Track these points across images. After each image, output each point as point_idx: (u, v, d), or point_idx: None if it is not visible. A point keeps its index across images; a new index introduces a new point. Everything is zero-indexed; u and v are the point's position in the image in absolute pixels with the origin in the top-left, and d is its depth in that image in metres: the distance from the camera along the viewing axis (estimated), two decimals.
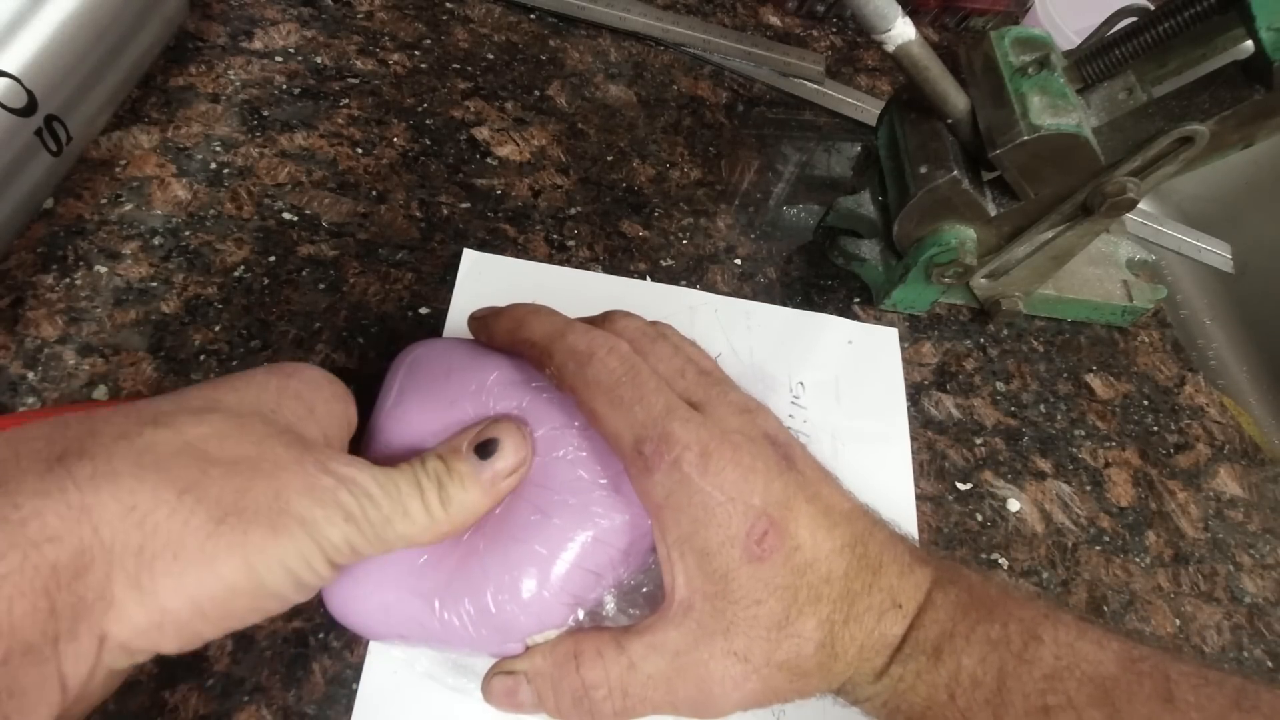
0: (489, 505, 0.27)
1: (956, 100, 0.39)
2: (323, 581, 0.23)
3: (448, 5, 0.54)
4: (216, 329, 0.38)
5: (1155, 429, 0.48)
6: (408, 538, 0.25)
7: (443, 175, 0.46)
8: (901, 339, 0.47)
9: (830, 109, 0.58)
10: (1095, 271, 0.50)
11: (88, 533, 0.19)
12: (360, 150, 0.45)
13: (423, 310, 0.41)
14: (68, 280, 0.38)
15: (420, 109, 0.48)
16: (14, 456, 0.19)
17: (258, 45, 0.48)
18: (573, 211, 0.47)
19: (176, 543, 0.20)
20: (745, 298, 0.46)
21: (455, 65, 0.51)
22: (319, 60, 0.48)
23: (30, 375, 0.35)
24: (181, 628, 0.20)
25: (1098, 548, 0.42)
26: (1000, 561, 0.41)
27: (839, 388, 0.44)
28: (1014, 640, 0.24)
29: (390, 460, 0.28)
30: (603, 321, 0.30)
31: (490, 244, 0.44)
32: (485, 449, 0.26)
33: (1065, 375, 0.49)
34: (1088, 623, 0.25)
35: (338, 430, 0.26)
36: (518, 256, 0.44)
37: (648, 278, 0.46)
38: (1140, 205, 0.40)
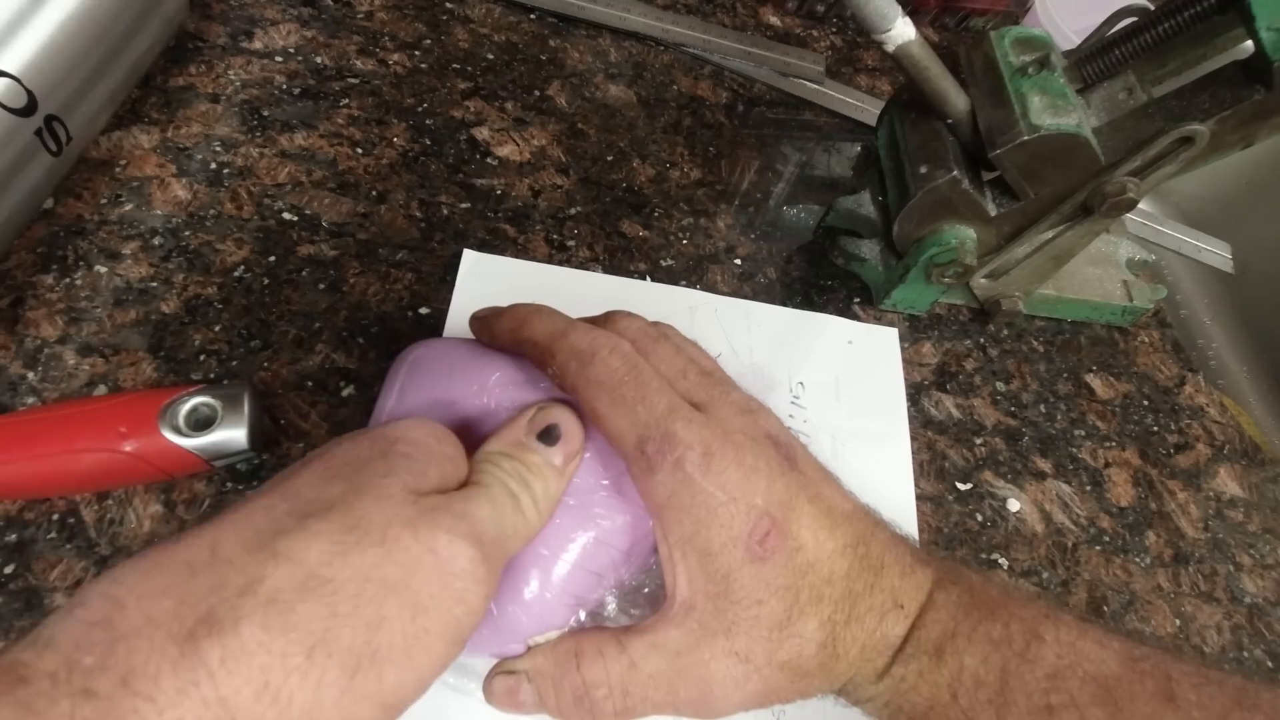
0: (563, 492, 0.26)
1: (956, 100, 0.39)
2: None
3: (448, 5, 0.54)
4: (216, 329, 0.38)
5: (1155, 429, 0.48)
6: (514, 553, 0.24)
7: (443, 175, 0.46)
8: (901, 339, 0.47)
9: (830, 109, 0.58)
10: (1095, 271, 0.50)
11: None
12: (360, 150, 0.45)
13: (423, 310, 0.41)
14: (68, 280, 0.37)
15: (420, 109, 0.48)
16: (144, 627, 0.18)
17: (258, 45, 0.48)
18: (573, 211, 0.47)
19: (312, 708, 0.19)
20: (745, 298, 0.46)
21: (455, 65, 0.51)
22: (319, 60, 0.48)
23: (30, 375, 0.35)
24: None
25: (1098, 548, 0.42)
26: (1000, 562, 0.41)
27: (839, 388, 0.44)
28: (1016, 640, 0.24)
29: None
30: (604, 321, 0.30)
31: (490, 244, 0.44)
32: (549, 435, 0.26)
33: (1065, 375, 0.49)
34: (1088, 622, 0.25)
35: (454, 473, 0.24)
36: (518, 256, 0.44)
37: (648, 278, 0.46)
38: (1140, 205, 0.40)
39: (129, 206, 0.40)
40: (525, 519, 0.24)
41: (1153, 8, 0.39)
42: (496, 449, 0.26)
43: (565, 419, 0.26)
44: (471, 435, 0.29)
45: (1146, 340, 0.52)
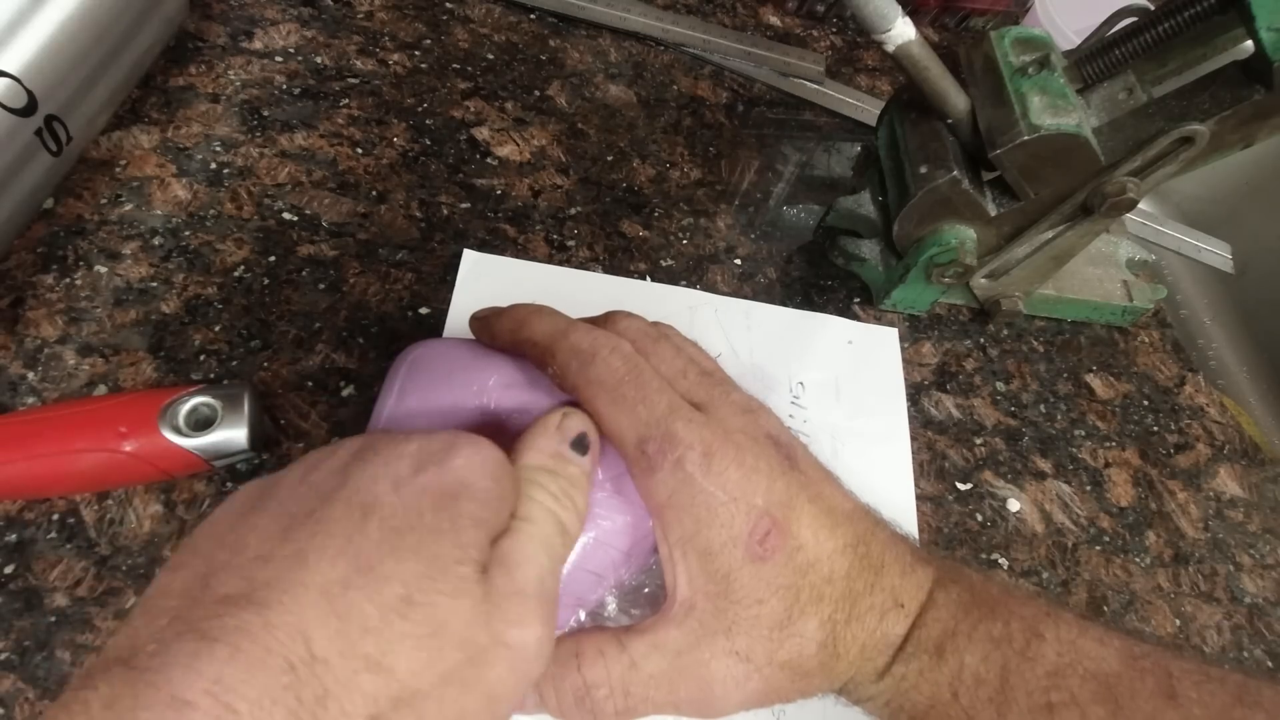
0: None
1: (956, 100, 0.39)
2: None
3: (448, 5, 0.54)
4: (216, 329, 0.38)
5: (1155, 429, 0.48)
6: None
7: (443, 175, 0.46)
8: (901, 339, 0.47)
9: (830, 109, 0.58)
10: (1095, 271, 0.50)
11: None
12: (360, 150, 0.45)
13: (423, 310, 0.41)
14: (68, 280, 0.37)
15: (420, 109, 0.48)
16: None
17: (258, 45, 0.48)
18: (573, 211, 0.47)
19: None
20: (745, 298, 0.46)
21: (455, 65, 0.51)
22: (319, 60, 0.48)
23: (30, 375, 0.35)
24: None
25: (1098, 548, 0.42)
26: (1000, 562, 0.41)
27: (839, 388, 0.44)
28: (1016, 638, 0.24)
29: None
30: (604, 322, 0.30)
31: (490, 244, 0.44)
32: (581, 444, 0.25)
33: (1065, 375, 0.49)
34: (1088, 620, 0.25)
35: (510, 510, 0.24)
36: (518, 256, 0.44)
37: (648, 278, 0.46)
38: (1140, 205, 0.40)
39: (129, 206, 0.40)
40: (570, 536, 0.24)
41: (1153, 8, 0.39)
42: (535, 462, 0.25)
43: (589, 425, 0.26)
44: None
45: (1146, 340, 0.52)
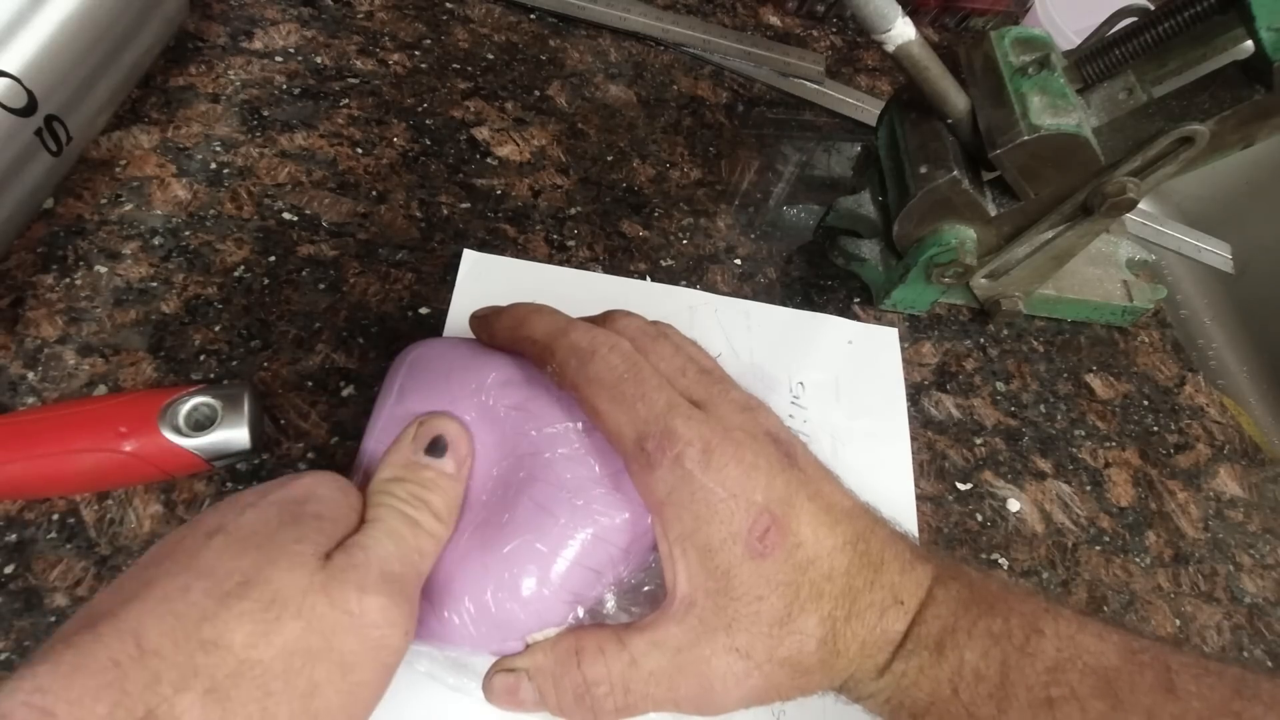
0: (463, 492, 0.27)
1: (956, 100, 0.39)
2: None
3: (448, 5, 0.54)
4: (216, 329, 0.38)
5: (1155, 429, 0.48)
6: (427, 570, 0.25)
7: (443, 175, 0.46)
8: (901, 339, 0.47)
9: (830, 109, 0.58)
10: (1095, 271, 0.50)
11: None
12: (360, 150, 0.45)
13: (423, 310, 0.41)
14: (68, 280, 0.37)
15: (420, 109, 0.48)
16: None
17: (258, 45, 0.48)
18: (573, 211, 0.47)
19: None
20: (745, 298, 0.46)
21: (455, 65, 0.51)
22: (319, 60, 0.49)
23: (30, 375, 0.35)
24: None
25: (1098, 548, 0.42)
26: (1000, 561, 0.41)
27: (839, 388, 0.44)
28: (1015, 634, 0.24)
29: None
30: (604, 320, 0.30)
31: (490, 244, 0.44)
32: (436, 447, 0.27)
33: (1065, 375, 0.49)
34: (1087, 616, 0.25)
35: (358, 521, 0.25)
36: (518, 256, 0.44)
37: (648, 278, 0.46)
38: (1140, 205, 0.40)
39: (129, 206, 0.40)
40: (428, 534, 0.25)
41: (1153, 8, 0.39)
42: (388, 475, 0.27)
43: (448, 426, 0.28)
44: (471, 435, 0.29)
45: (1146, 340, 0.52)
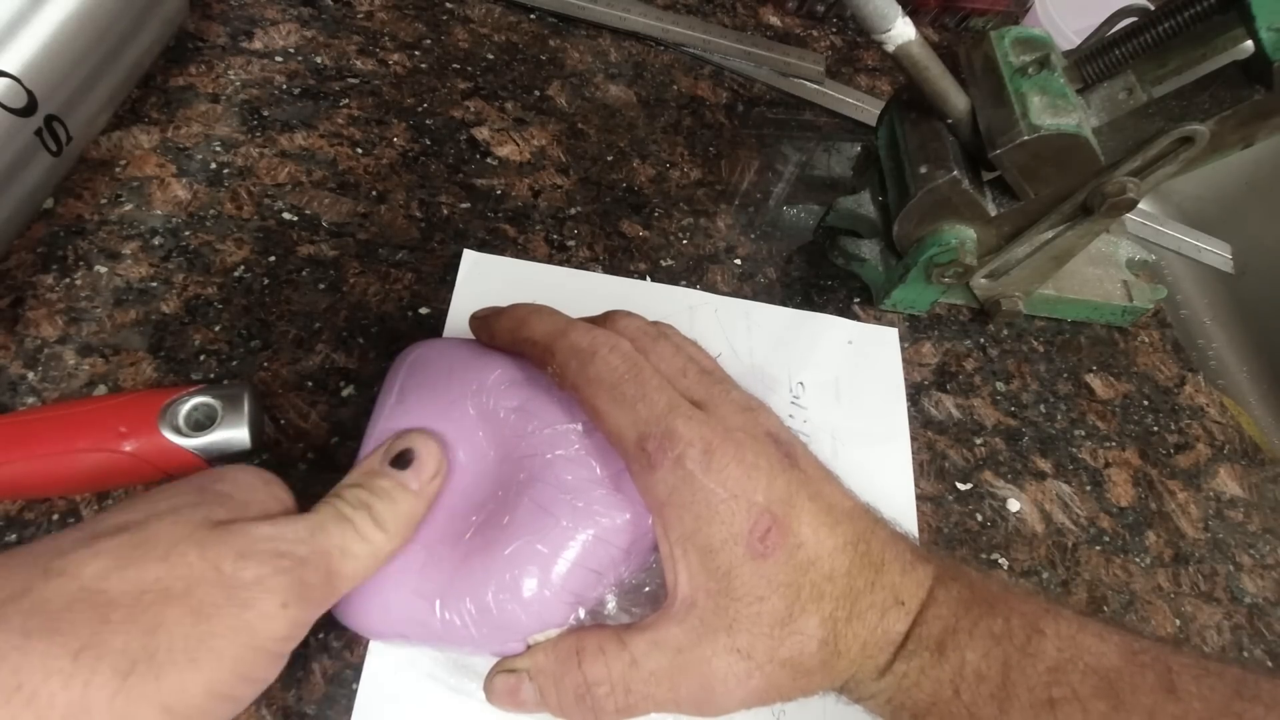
0: (424, 511, 0.27)
1: (956, 100, 0.39)
2: (274, 673, 0.23)
3: (448, 5, 0.54)
4: (216, 329, 0.38)
5: (1155, 429, 0.48)
6: (356, 576, 0.25)
7: (443, 175, 0.46)
8: (901, 339, 0.47)
9: (830, 109, 0.58)
10: (1095, 271, 0.50)
11: None
12: (360, 150, 0.45)
13: (423, 310, 0.41)
14: (68, 280, 0.37)
15: (420, 109, 0.48)
16: None
17: (258, 45, 0.48)
18: (573, 211, 0.47)
19: (79, 711, 0.19)
20: (745, 298, 0.46)
21: (455, 65, 0.51)
22: (319, 60, 0.48)
23: (30, 375, 0.35)
24: None
25: (1098, 548, 0.42)
26: (1000, 561, 0.41)
27: (839, 388, 0.44)
28: (1017, 634, 0.24)
29: None
30: (604, 321, 0.30)
31: (490, 244, 0.44)
32: (402, 460, 0.27)
33: (1065, 375, 0.49)
34: (1087, 616, 0.25)
35: (279, 510, 0.25)
36: (518, 256, 0.44)
37: (648, 278, 0.46)
38: (1140, 205, 0.40)
39: (129, 206, 0.40)
40: (360, 536, 0.25)
41: (1153, 8, 0.39)
42: (347, 481, 0.27)
43: (420, 442, 0.27)
44: (471, 435, 0.29)
45: (1146, 340, 0.52)
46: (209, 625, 0.21)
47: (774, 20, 0.62)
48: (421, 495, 0.27)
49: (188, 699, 0.20)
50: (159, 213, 0.40)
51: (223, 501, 0.23)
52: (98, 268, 0.38)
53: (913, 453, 0.43)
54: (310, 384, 0.37)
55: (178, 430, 0.31)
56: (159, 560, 0.21)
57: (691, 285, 0.46)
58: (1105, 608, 0.41)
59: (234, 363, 0.37)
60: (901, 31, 0.36)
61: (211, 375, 0.37)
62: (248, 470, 0.26)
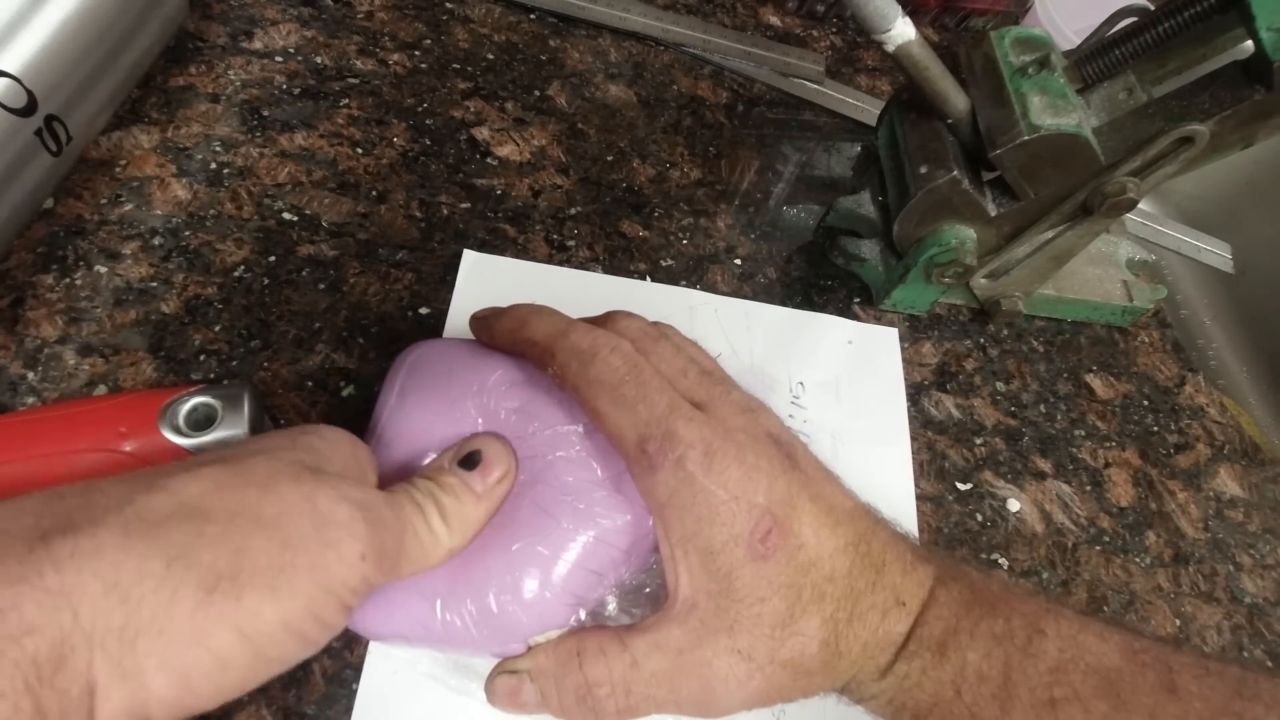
0: (486, 516, 0.27)
1: (956, 100, 0.39)
2: (333, 631, 0.22)
3: (448, 5, 0.54)
4: (216, 329, 0.38)
5: (1155, 429, 0.48)
6: (418, 562, 0.25)
7: (443, 175, 0.46)
8: (901, 339, 0.47)
9: (830, 109, 0.58)
10: (1095, 271, 0.50)
11: (67, 619, 0.18)
12: (360, 150, 0.45)
13: (423, 310, 0.41)
14: (68, 280, 0.37)
15: (420, 109, 0.48)
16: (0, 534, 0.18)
17: (258, 45, 0.48)
18: (573, 211, 0.47)
19: (163, 617, 0.19)
20: (745, 298, 0.46)
21: (455, 65, 0.51)
22: (319, 60, 0.48)
23: (30, 375, 0.35)
24: (169, 706, 0.19)
25: (1098, 548, 0.42)
26: (1000, 561, 0.41)
27: (839, 388, 0.44)
28: (1018, 634, 0.24)
29: (391, 460, 0.29)
30: (604, 321, 0.30)
31: (490, 244, 0.44)
32: (469, 461, 0.27)
33: (1065, 375, 0.49)
34: (1088, 616, 0.25)
35: (358, 471, 0.25)
36: (518, 256, 0.44)
37: (648, 278, 0.46)
38: (1140, 205, 0.40)
39: (129, 206, 0.40)
40: (430, 530, 0.25)
41: (1153, 8, 0.39)
42: (419, 474, 0.27)
43: (490, 446, 0.27)
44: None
45: (1146, 340, 0.52)
46: (292, 556, 0.21)
47: (774, 20, 0.62)
48: (485, 499, 0.27)
49: (262, 625, 0.20)
50: (159, 213, 0.40)
51: (311, 450, 0.24)
52: (98, 268, 0.38)
53: (913, 453, 0.43)
54: (310, 384, 0.37)
55: (178, 430, 0.31)
56: (257, 486, 0.21)
57: (691, 285, 0.46)
58: (1105, 608, 0.41)
59: (234, 363, 0.37)
60: (901, 31, 0.36)
61: (211, 375, 0.37)
62: (337, 430, 0.26)
